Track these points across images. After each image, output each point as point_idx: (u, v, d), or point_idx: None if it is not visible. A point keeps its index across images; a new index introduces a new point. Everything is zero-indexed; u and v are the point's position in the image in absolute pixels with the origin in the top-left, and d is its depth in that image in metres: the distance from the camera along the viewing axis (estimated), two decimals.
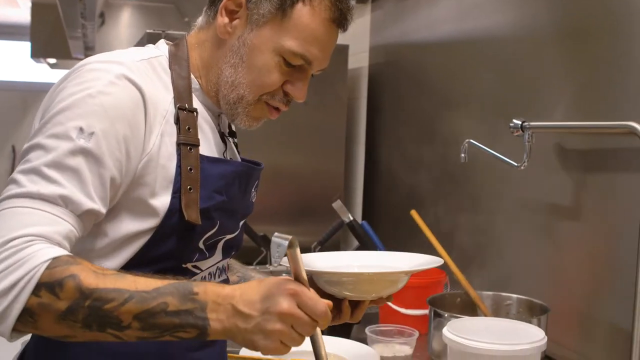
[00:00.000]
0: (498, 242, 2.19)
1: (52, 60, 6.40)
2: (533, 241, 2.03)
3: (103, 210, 1.05)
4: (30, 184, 0.99)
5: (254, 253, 2.74)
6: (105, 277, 0.96)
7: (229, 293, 0.98)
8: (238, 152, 1.35)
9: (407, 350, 1.79)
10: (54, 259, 0.96)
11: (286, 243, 0.94)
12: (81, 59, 1.31)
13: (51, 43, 5.92)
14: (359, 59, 3.23)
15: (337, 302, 1.22)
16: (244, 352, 1.58)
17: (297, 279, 0.98)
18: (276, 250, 0.95)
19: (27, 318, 0.95)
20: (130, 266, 1.09)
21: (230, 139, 1.32)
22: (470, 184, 2.34)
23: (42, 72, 7.24)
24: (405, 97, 2.90)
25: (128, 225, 1.07)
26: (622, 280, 1.71)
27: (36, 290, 0.94)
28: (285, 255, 0.95)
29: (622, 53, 1.71)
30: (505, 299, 1.91)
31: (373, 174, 3.14)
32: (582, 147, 1.86)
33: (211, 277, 1.20)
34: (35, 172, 1.00)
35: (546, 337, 1.47)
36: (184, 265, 1.15)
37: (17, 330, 0.96)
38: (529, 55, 2.06)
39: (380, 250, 2.12)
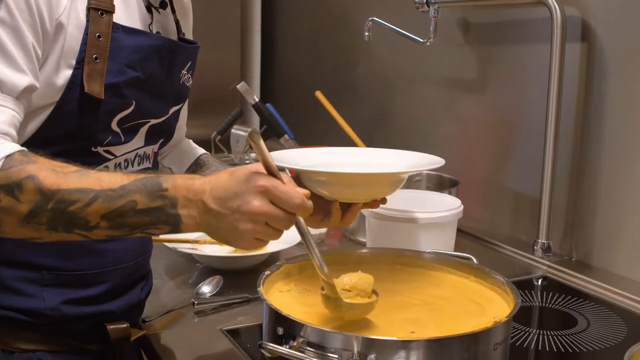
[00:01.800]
0: (404, 120, 2.20)
1: None
2: (440, 117, 2.05)
3: (37, 83, 0.95)
4: None
5: None
6: (67, 175, 0.88)
7: (200, 188, 0.90)
8: (179, 29, 1.21)
9: (320, 229, 1.78)
10: (7, 157, 0.87)
11: (246, 135, 0.86)
12: None
13: None
14: None
15: (326, 204, 1.15)
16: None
17: (269, 171, 0.91)
18: (236, 144, 0.86)
19: None
20: (33, 145, 0.97)
21: (161, 10, 1.17)
22: (376, 64, 2.32)
23: None
24: None
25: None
26: (527, 149, 1.75)
27: None
28: (249, 147, 0.87)
29: None
30: (415, 175, 1.93)
31: (270, 62, 3.06)
32: (487, 20, 1.86)
33: (127, 164, 1.10)
34: None
35: (462, 205, 1.50)
36: (94, 149, 1.04)
37: None
38: None
39: (288, 134, 2.08)
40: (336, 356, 0.96)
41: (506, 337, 1.04)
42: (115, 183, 0.89)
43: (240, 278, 1.48)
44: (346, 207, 1.17)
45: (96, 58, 0.99)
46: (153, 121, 1.12)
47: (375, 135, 2.25)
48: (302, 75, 2.81)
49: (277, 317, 1.03)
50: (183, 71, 1.17)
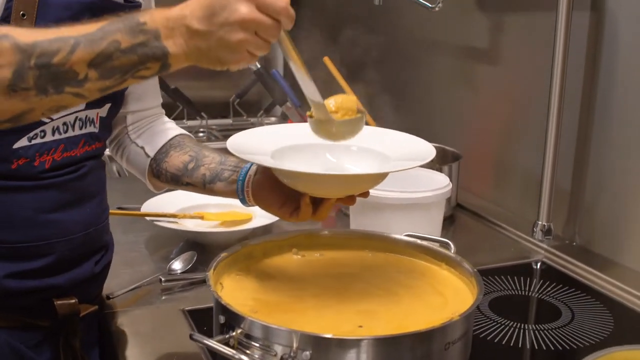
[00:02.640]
0: (413, 89, 2.11)
1: None
2: (449, 86, 1.95)
3: None
4: None
5: (168, 108, 2.61)
6: (40, 30, 0.85)
7: (179, 14, 0.86)
8: None
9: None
10: None
11: None
12: None
13: None
14: None
15: (299, 195, 1.08)
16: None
17: None
18: None
19: None
20: None
21: None
22: (385, 29, 2.22)
23: None
24: None
25: None
26: (535, 126, 1.65)
27: None
28: None
29: None
30: None
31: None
32: None
33: (67, 127, 1.05)
34: None
35: (451, 184, 1.41)
36: None
37: None
38: None
39: (292, 101, 2.01)
40: (273, 352, 0.91)
41: (462, 335, 0.97)
42: (91, 27, 0.85)
43: (217, 254, 1.43)
44: (319, 200, 1.09)
45: (23, 15, 0.95)
46: None
47: (383, 104, 2.16)
48: (320, 37, 2.72)
49: (220, 306, 0.98)
50: None
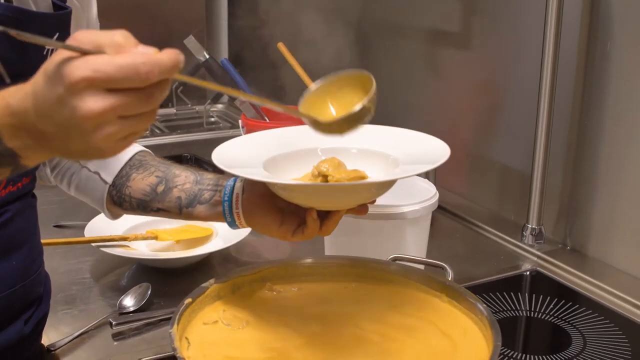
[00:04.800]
0: (378, 77, 1.93)
1: None
2: (418, 74, 1.79)
3: None
4: None
5: None
6: None
7: (21, 107, 0.64)
8: None
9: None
10: None
11: None
12: None
13: None
14: None
15: (300, 210, 0.94)
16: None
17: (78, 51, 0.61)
18: None
19: None
20: None
21: None
22: (345, 9, 2.04)
23: None
24: None
25: None
26: (517, 117, 1.51)
27: None
28: None
29: None
30: None
31: (238, 2, 2.77)
32: None
33: None
34: None
35: (437, 192, 1.25)
36: None
37: None
38: None
39: (245, 91, 1.82)
40: None
41: None
42: None
43: (174, 282, 1.25)
44: (325, 213, 0.95)
45: None
46: None
47: None
48: (271, 21, 2.52)
49: None
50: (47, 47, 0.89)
